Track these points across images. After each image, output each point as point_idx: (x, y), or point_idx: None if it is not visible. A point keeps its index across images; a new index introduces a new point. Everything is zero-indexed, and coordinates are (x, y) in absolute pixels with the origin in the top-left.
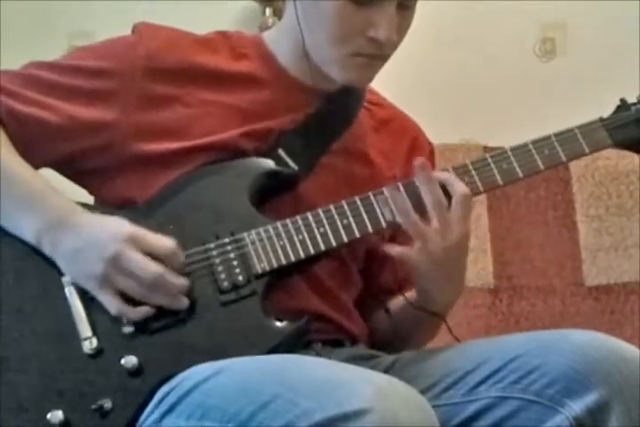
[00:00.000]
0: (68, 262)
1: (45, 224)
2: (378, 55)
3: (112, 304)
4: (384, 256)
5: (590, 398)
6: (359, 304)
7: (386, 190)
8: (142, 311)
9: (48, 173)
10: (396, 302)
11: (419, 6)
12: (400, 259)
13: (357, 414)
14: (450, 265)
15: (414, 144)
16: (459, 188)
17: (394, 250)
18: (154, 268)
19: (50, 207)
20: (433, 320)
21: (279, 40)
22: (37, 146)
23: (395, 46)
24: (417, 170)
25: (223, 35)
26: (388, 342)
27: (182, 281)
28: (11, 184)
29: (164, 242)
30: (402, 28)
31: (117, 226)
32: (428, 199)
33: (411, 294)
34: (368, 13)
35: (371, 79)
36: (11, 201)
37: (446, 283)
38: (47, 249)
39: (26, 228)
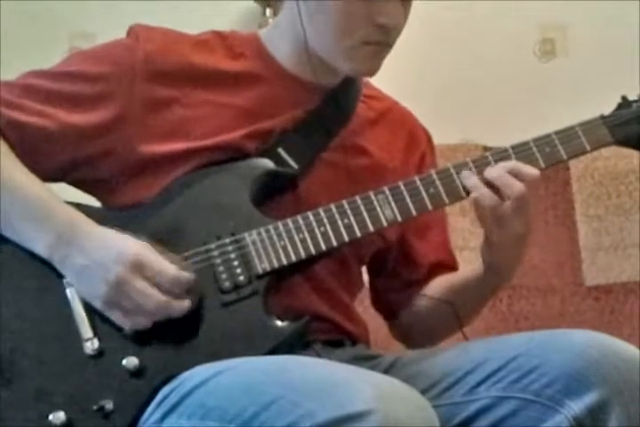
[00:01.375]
0: (75, 280)
1: (55, 240)
2: (385, 42)
3: (123, 322)
4: (398, 250)
5: (590, 398)
6: (382, 305)
7: (452, 170)
8: (150, 322)
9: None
10: (421, 299)
11: (419, 7)
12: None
13: (359, 416)
14: (521, 239)
15: (412, 135)
16: (531, 171)
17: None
18: (155, 297)
19: (58, 221)
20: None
21: (277, 37)
22: (41, 155)
23: (399, 34)
24: (487, 170)
25: (219, 34)
26: (420, 334)
27: (184, 304)
28: (16, 196)
29: (167, 269)
30: (405, 16)
31: (122, 246)
32: (510, 191)
33: (461, 273)
34: (372, 2)
35: (378, 68)
36: (17, 214)
37: (517, 254)
38: (58, 265)
39: (36, 242)
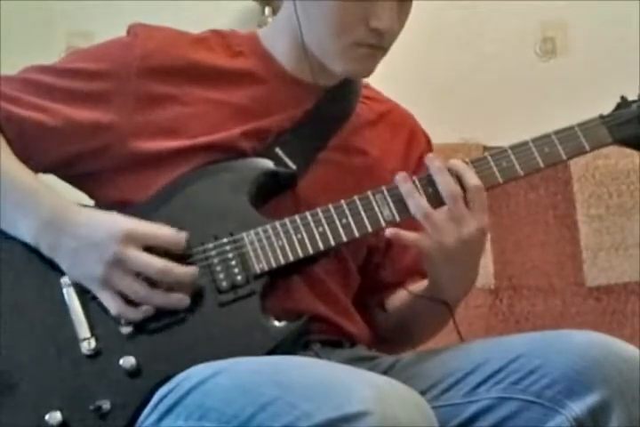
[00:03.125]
0: (67, 264)
1: (41, 223)
2: (378, 46)
3: (112, 305)
4: (384, 250)
5: (591, 399)
6: (360, 304)
7: (398, 182)
8: (142, 311)
9: (49, 178)
10: (400, 297)
11: (419, 6)
12: (414, 246)
13: (357, 417)
14: (463, 257)
15: (412, 136)
16: (471, 180)
17: (408, 237)
18: (157, 262)
19: (43, 205)
20: (439, 313)
21: (275, 36)
22: (36, 149)
23: (395, 37)
24: (428, 161)
25: (218, 33)
26: (391, 339)
27: (189, 269)
28: (6, 186)
29: (162, 231)
30: (401, 19)
31: (112, 224)
32: (442, 189)
33: (416, 286)
34: (369, 4)
35: (372, 70)
36: (7, 202)
37: (459, 275)
38: (46, 250)
39: (23, 228)
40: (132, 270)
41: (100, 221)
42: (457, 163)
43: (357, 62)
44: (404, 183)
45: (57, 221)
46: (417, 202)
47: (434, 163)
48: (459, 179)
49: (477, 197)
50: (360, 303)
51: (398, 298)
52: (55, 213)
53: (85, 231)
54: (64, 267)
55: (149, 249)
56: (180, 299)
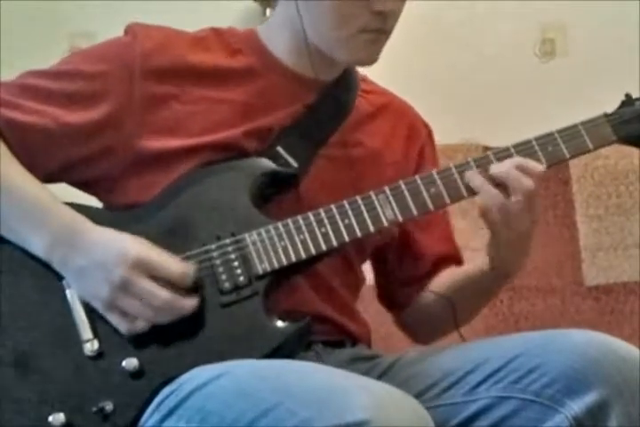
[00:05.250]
0: (74, 281)
1: (54, 240)
2: (383, 30)
3: (121, 324)
4: (398, 246)
5: (590, 398)
6: (388, 300)
7: (469, 179)
8: (148, 325)
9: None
10: (443, 282)
11: (419, 6)
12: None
13: (356, 425)
14: (527, 236)
15: (412, 128)
16: (535, 167)
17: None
18: (163, 294)
19: (56, 222)
20: (491, 290)
21: (274, 32)
22: (40, 155)
23: (397, 19)
24: (471, 182)
25: (216, 31)
26: (434, 327)
27: (192, 302)
28: (14, 197)
29: (171, 265)
30: (402, 1)
31: (123, 247)
32: (517, 187)
33: (459, 271)
34: None
35: (377, 57)
36: (15, 215)
37: (523, 250)
38: (57, 266)
39: (34, 243)
40: (137, 295)
41: (113, 243)
42: (517, 160)
43: (363, 49)
44: (474, 179)
45: (69, 237)
46: (491, 194)
47: (475, 182)
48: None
49: (538, 181)
50: (394, 297)
51: (441, 284)
52: (68, 230)
53: (96, 251)
54: (72, 283)
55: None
56: (186, 315)
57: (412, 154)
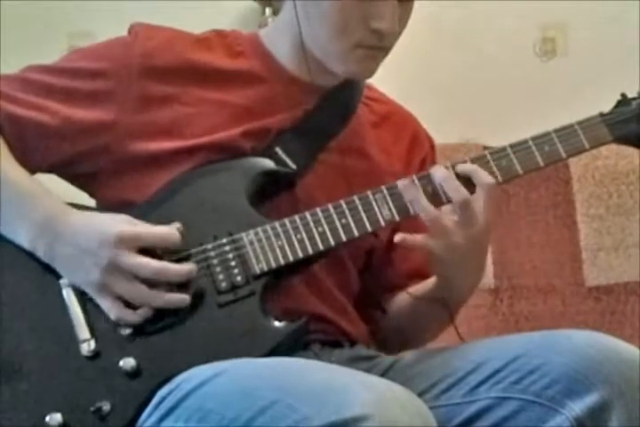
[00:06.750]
0: (64, 270)
1: (36, 228)
2: (379, 47)
3: (111, 309)
4: (384, 253)
5: (591, 399)
6: (361, 306)
7: (402, 189)
8: (141, 314)
9: (51, 178)
10: (402, 299)
11: (419, 6)
12: (422, 248)
13: (357, 421)
14: (472, 255)
15: (414, 139)
16: (484, 178)
17: (415, 240)
18: (153, 263)
19: (38, 209)
20: (441, 314)
21: (276, 37)
22: (36, 149)
23: (396, 38)
24: (433, 172)
25: (219, 33)
26: (392, 340)
27: (186, 266)
28: (3, 188)
29: (155, 229)
30: (403, 20)
31: (103, 228)
32: (452, 197)
33: (417, 287)
34: (370, 4)
35: (373, 71)
36: (4, 207)
37: (466, 274)
38: (42, 256)
39: (20, 233)
40: (128, 274)
41: (93, 227)
42: (465, 166)
43: (358, 64)
44: (408, 190)
45: (50, 226)
46: (424, 207)
47: (437, 173)
48: (469, 179)
49: (488, 193)
50: (361, 306)
51: (400, 300)
52: (48, 218)
53: (78, 238)
54: (62, 272)
55: (146, 251)
56: (181, 299)
57: (413, 164)
